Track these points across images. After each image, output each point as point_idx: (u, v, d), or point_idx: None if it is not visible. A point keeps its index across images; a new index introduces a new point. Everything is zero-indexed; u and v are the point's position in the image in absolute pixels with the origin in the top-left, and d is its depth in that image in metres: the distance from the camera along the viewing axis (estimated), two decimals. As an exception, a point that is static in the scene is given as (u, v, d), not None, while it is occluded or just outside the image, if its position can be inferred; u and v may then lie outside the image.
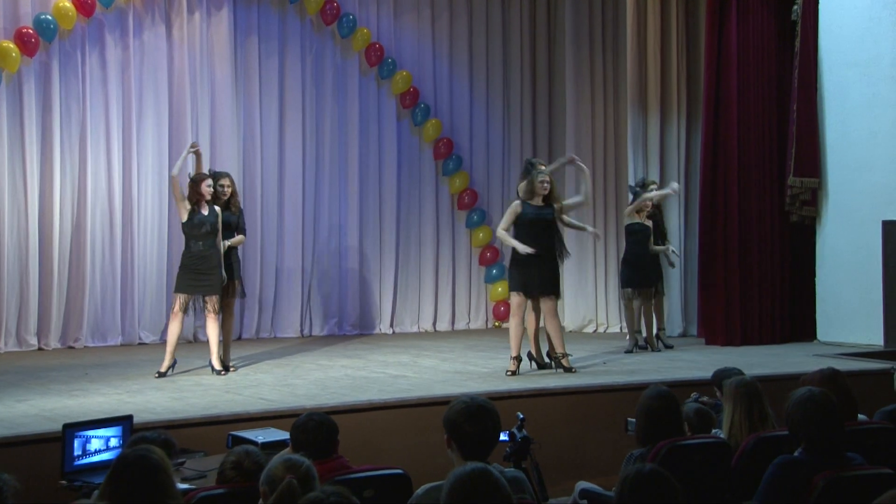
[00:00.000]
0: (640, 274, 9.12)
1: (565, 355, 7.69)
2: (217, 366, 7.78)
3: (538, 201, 7.66)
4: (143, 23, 10.17)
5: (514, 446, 4.34)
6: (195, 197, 7.74)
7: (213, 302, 7.72)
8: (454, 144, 11.70)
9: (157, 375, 7.58)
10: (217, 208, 7.84)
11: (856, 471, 3.64)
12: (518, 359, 7.64)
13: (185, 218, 7.73)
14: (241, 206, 8.38)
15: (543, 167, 7.97)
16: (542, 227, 7.64)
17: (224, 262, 7.88)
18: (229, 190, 8.04)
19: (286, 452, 3.67)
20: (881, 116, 9.24)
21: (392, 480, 3.80)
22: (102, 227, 9.94)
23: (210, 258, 7.73)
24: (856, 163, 9.50)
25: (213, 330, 7.77)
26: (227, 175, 8.25)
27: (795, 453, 3.75)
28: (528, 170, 7.88)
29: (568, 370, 7.64)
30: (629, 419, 4.77)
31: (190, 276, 7.71)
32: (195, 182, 7.80)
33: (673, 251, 9.64)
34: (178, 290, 7.74)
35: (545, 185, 7.63)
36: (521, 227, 7.65)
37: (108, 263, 9.93)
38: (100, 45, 9.96)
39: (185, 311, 7.73)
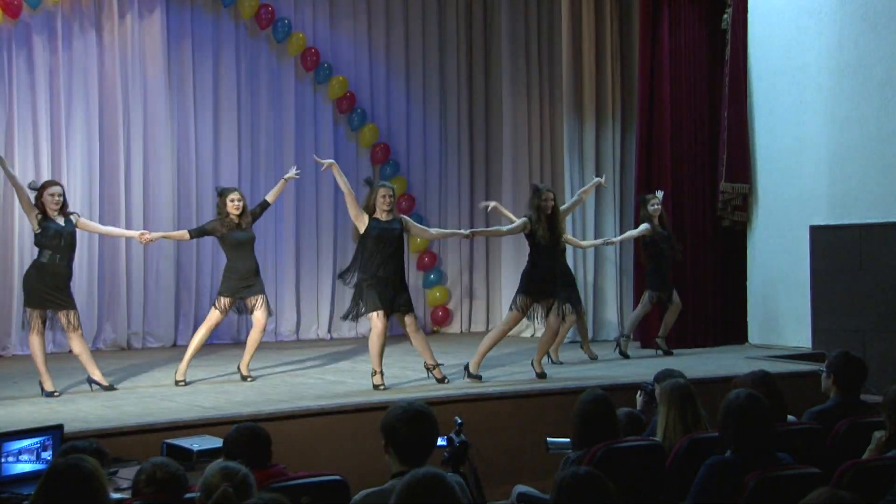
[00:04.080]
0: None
1: (437, 366, 7.49)
2: (102, 381, 7.27)
3: (385, 216, 7.34)
4: (72, 26, 9.98)
5: (452, 451, 4.34)
6: (41, 205, 7.05)
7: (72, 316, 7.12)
8: (391, 150, 11.70)
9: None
10: (73, 219, 7.20)
11: (785, 471, 3.73)
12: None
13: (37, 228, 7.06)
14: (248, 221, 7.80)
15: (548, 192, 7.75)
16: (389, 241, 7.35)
17: None
18: (241, 204, 7.68)
19: (222, 460, 3.64)
20: (808, 123, 9.47)
21: (330, 486, 3.79)
22: (31, 234, 9.70)
23: (67, 274, 7.16)
24: (784, 169, 9.73)
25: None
26: (236, 190, 7.90)
27: (726, 454, 3.83)
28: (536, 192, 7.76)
29: (441, 381, 7.42)
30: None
31: (46, 290, 7.03)
32: (41, 190, 7.13)
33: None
34: (34, 305, 7.05)
35: (387, 199, 7.31)
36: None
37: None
38: (27, 49, 9.76)
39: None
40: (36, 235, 7.13)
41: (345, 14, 11.57)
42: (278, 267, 11.08)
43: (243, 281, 7.72)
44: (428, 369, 7.52)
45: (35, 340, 7.04)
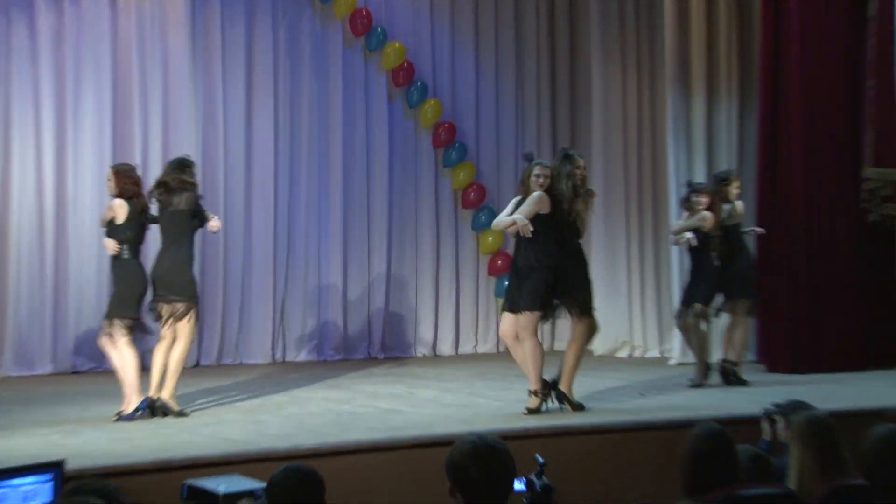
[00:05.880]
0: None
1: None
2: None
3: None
4: (80, -17, 10.19)
5: (532, 497, 4.30)
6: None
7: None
8: (457, 130, 11.72)
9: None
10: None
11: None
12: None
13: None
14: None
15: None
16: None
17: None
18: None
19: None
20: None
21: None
22: (30, 232, 9.94)
23: None
24: (946, 151, 9.51)
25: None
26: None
27: (875, 505, 3.72)
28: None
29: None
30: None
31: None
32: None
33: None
34: None
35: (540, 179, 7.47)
36: None
37: (36, 275, 9.96)
38: (28, 12, 10.01)
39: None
40: None
41: (402, -32, 11.63)
42: (321, 272, 11.15)
43: None
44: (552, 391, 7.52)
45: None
